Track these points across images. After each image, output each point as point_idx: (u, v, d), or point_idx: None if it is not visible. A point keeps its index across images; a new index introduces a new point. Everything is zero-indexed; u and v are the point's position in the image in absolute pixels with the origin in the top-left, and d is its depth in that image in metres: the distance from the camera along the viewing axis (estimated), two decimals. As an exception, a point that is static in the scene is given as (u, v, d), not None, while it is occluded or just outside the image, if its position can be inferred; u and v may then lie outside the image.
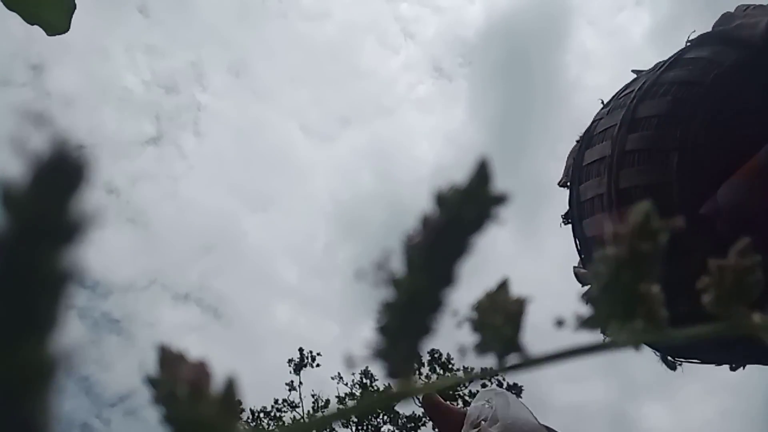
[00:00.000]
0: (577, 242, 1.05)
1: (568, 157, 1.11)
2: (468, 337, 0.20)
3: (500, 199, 0.18)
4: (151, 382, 0.18)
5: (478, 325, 0.20)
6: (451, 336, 0.21)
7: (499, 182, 0.19)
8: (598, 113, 1.10)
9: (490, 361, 0.20)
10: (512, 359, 0.20)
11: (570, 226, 1.07)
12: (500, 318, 0.20)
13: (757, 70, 0.92)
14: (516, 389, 9.72)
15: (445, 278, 0.19)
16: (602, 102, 1.11)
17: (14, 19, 0.77)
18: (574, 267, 1.09)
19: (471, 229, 0.18)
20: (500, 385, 9.74)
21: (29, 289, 0.13)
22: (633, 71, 1.08)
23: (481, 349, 0.20)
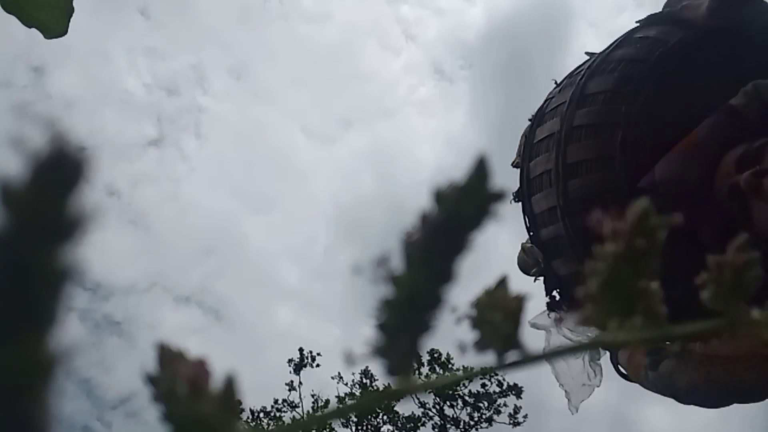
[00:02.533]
0: (526, 219, 1.07)
1: (521, 138, 1.12)
2: (468, 334, 0.20)
3: (499, 196, 0.18)
4: (151, 380, 0.18)
5: (477, 323, 0.20)
6: (451, 334, 0.21)
7: (499, 182, 0.19)
8: (550, 92, 1.11)
9: (489, 359, 0.20)
10: (512, 356, 0.20)
11: (520, 203, 1.08)
12: (500, 315, 0.20)
13: (699, 51, 0.96)
14: (516, 390, 9.72)
15: (444, 275, 0.19)
16: (555, 82, 1.13)
17: (16, 21, 0.77)
18: (523, 244, 1.11)
19: (470, 226, 0.18)
20: (500, 384, 9.74)
21: (29, 286, 0.13)
22: (586, 53, 1.10)
23: (481, 346, 0.20)
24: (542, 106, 1.10)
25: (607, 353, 1.06)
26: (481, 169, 0.18)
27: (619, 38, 1.03)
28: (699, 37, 0.95)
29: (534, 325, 1.04)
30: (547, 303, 1.06)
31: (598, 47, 1.07)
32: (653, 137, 0.92)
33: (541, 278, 1.08)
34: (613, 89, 0.95)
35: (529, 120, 1.11)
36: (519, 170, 1.09)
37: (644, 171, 0.90)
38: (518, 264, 1.12)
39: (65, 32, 0.80)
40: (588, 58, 1.08)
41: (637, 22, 1.04)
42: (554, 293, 1.05)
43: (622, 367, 1.04)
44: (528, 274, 1.09)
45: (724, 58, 0.95)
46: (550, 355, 0.19)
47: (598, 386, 1.09)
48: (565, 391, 1.09)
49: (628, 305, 0.19)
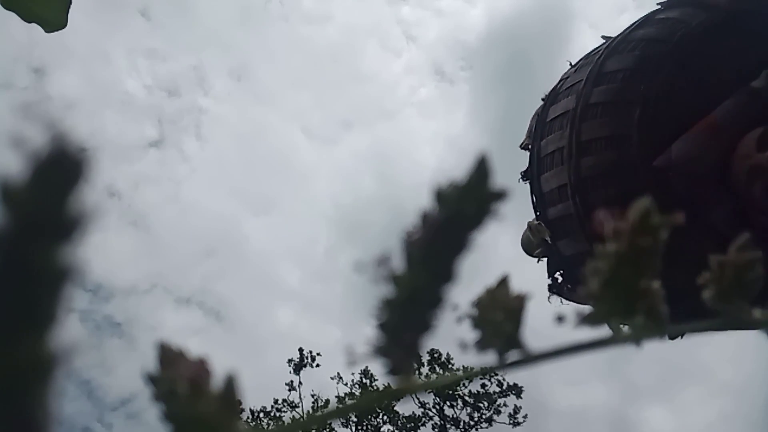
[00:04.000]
0: (534, 198, 1.06)
1: (532, 118, 1.12)
2: (469, 333, 0.20)
3: (499, 195, 0.18)
4: (152, 379, 0.18)
5: (478, 322, 0.20)
6: (452, 333, 0.21)
7: (500, 181, 0.18)
8: (565, 72, 1.11)
9: (490, 358, 0.20)
10: (513, 356, 0.20)
11: (528, 183, 1.08)
12: (501, 314, 0.20)
13: (721, 33, 0.95)
14: (516, 390, 9.72)
15: (445, 275, 0.18)
16: (570, 63, 1.12)
17: (16, 21, 0.77)
18: (529, 222, 1.10)
19: (470, 225, 0.18)
20: (500, 384, 9.74)
21: (28, 285, 0.13)
22: (602, 37, 1.10)
23: (482, 345, 0.20)
24: (556, 85, 1.09)
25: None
26: (481, 169, 0.18)
27: (639, 19, 1.02)
28: (721, 20, 0.94)
29: None
30: (549, 285, 1.05)
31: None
32: (670, 117, 0.91)
33: (544, 259, 1.07)
34: (632, 68, 0.94)
35: (542, 99, 1.10)
36: (529, 150, 1.08)
37: (660, 150, 0.89)
38: (522, 244, 1.11)
39: (65, 25, 0.80)
40: (605, 41, 1.07)
41: (658, 4, 1.03)
42: (557, 274, 1.05)
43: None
44: (531, 255, 1.08)
45: (745, 42, 0.94)
46: (552, 355, 0.19)
47: None
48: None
49: (630, 304, 0.19)
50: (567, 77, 1.08)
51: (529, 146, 1.09)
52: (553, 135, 1.02)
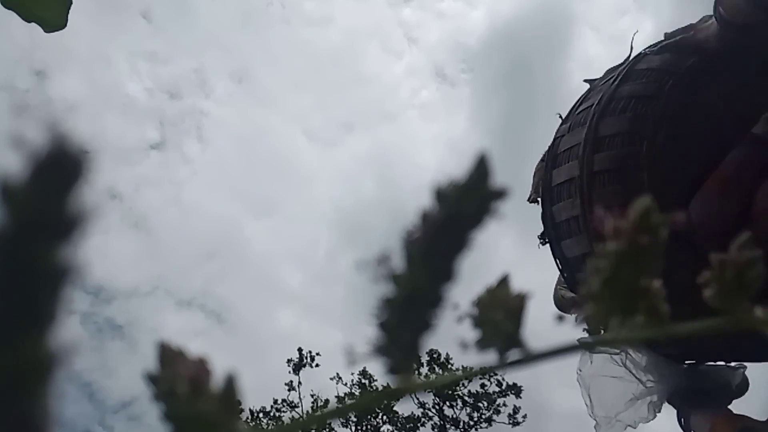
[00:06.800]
0: (558, 262, 1.06)
1: (534, 174, 1.12)
2: (469, 333, 0.20)
3: (499, 194, 0.18)
4: (152, 379, 0.18)
5: (478, 321, 0.20)
6: (452, 333, 0.21)
7: (499, 180, 0.18)
8: (558, 130, 1.10)
9: (490, 358, 0.20)
10: (513, 355, 0.20)
11: (548, 245, 1.08)
12: (501, 314, 0.20)
13: (706, 77, 0.94)
14: (515, 390, 9.72)
15: (445, 273, 0.18)
16: (560, 117, 1.11)
17: (17, 23, 0.77)
18: (556, 286, 1.10)
19: (470, 224, 0.18)
20: (499, 384, 9.73)
21: (28, 284, 0.13)
22: (585, 80, 1.09)
23: (482, 344, 0.20)
24: (553, 145, 1.08)
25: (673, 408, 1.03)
26: (481, 168, 0.18)
27: (622, 69, 1.01)
28: (704, 65, 0.93)
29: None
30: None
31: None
32: (679, 175, 0.90)
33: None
34: (629, 131, 0.93)
35: (541, 159, 1.10)
36: (541, 212, 1.08)
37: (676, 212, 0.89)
38: (555, 303, 1.13)
39: (64, 25, 0.80)
40: (590, 87, 1.06)
41: (646, 50, 1.02)
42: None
43: None
44: (567, 313, 1.10)
45: (732, 81, 0.93)
46: (551, 354, 0.19)
47: (634, 427, 1.06)
48: (596, 423, 1.07)
49: (631, 303, 0.19)
50: (562, 136, 1.07)
51: (537, 201, 1.10)
52: (563, 202, 1.01)
